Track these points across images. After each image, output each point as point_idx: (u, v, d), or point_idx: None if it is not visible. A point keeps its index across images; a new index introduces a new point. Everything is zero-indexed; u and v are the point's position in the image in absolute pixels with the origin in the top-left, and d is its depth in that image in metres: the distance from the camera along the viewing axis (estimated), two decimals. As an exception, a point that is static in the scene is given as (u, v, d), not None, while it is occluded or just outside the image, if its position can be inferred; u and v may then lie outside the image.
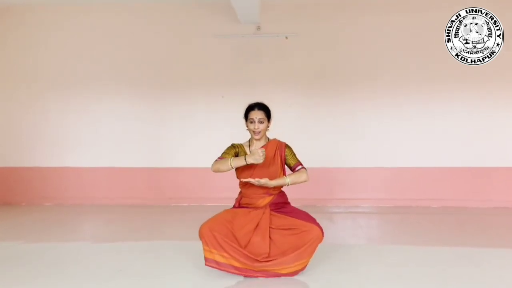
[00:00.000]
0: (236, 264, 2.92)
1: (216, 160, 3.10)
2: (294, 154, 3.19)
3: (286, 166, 3.22)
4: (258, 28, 5.85)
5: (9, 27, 6.12)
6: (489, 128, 5.69)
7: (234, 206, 3.21)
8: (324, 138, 5.84)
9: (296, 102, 5.88)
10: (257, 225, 2.99)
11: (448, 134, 5.72)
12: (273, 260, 2.94)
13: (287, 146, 3.20)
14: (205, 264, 2.92)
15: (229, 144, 3.24)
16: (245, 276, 2.98)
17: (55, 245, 3.96)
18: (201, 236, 2.93)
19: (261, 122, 3.11)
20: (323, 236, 2.96)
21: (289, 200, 3.27)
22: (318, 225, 2.98)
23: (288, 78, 5.89)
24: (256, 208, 3.10)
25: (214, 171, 3.07)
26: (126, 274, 3.13)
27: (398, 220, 5.02)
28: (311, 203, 5.58)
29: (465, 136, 5.70)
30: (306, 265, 2.99)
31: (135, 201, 5.91)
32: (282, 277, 2.96)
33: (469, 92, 5.70)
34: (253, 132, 3.13)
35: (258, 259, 2.92)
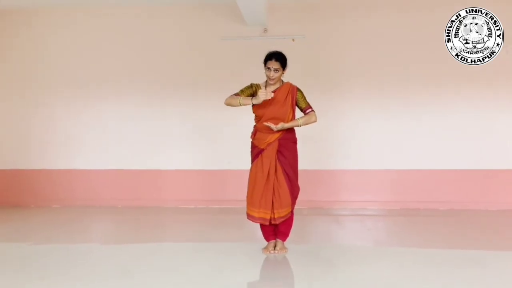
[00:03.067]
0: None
1: (231, 95, 3.57)
2: (305, 98, 3.63)
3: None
4: (265, 30, 5.86)
5: (17, 30, 6.16)
6: (497, 129, 5.63)
7: (251, 137, 3.63)
8: (330, 140, 5.82)
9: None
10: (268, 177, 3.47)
11: (456, 135, 5.67)
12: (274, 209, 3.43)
13: (298, 89, 3.63)
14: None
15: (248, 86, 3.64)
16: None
17: (63, 246, 3.99)
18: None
19: (276, 71, 3.51)
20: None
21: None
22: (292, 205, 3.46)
23: (295, 80, 5.81)
24: (267, 145, 3.48)
25: (226, 105, 3.57)
26: (134, 275, 3.15)
27: (406, 223, 5.00)
28: (318, 205, 5.57)
29: (473, 138, 5.64)
30: (290, 212, 3.45)
31: (143, 203, 5.93)
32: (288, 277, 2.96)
33: (477, 93, 5.65)
34: (269, 78, 3.54)
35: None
